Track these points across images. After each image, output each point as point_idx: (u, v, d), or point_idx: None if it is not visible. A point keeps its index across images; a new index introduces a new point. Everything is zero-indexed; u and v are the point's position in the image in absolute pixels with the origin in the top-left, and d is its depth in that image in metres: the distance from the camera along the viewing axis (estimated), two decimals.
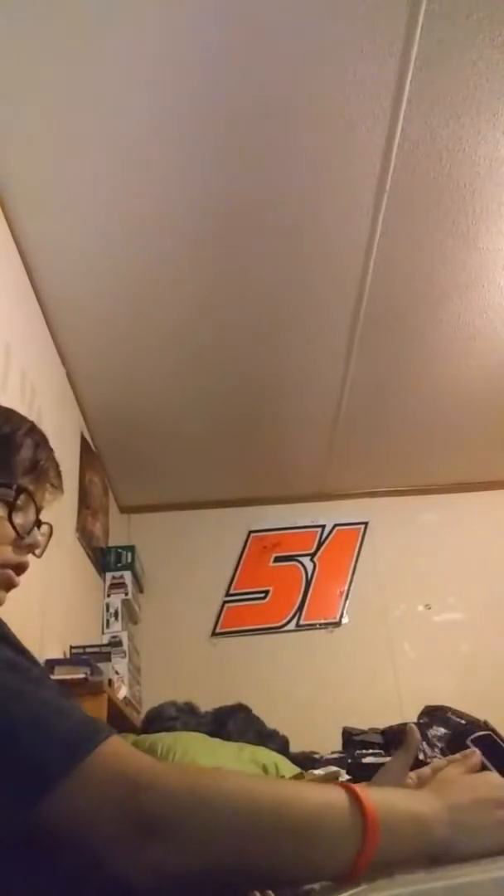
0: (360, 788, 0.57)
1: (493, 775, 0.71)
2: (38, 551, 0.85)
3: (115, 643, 3.01)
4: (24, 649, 0.65)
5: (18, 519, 0.79)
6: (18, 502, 0.79)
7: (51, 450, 0.88)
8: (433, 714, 2.72)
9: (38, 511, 0.83)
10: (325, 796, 0.56)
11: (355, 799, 0.55)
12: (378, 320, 2.58)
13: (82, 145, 1.87)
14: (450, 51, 1.72)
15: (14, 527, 0.79)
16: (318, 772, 1.49)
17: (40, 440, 0.86)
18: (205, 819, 0.51)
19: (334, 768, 2.00)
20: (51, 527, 0.88)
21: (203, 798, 0.52)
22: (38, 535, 0.84)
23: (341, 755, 2.57)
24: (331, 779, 1.18)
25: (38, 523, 0.84)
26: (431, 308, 2.57)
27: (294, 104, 1.82)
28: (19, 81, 1.70)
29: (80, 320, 2.49)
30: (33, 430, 0.86)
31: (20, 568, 0.82)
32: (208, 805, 0.52)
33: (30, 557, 0.84)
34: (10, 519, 0.79)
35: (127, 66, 1.69)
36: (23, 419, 0.87)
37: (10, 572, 0.81)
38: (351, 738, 2.65)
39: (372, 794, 0.56)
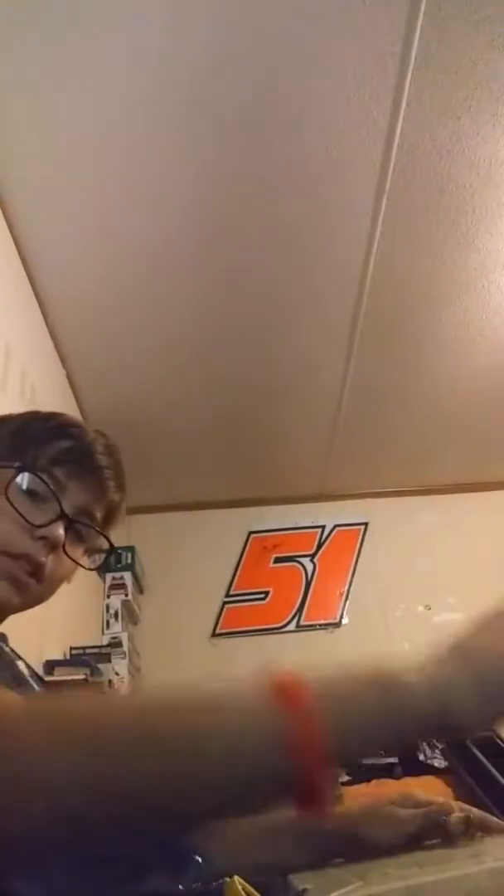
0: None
1: None
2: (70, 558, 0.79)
3: (115, 644, 3.01)
4: None
5: (26, 503, 0.76)
6: (26, 483, 0.76)
7: (102, 454, 0.84)
8: None
9: (60, 506, 0.78)
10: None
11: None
12: (378, 321, 2.58)
13: (83, 145, 1.88)
14: (449, 51, 1.72)
15: (12, 504, 0.74)
16: None
17: (85, 439, 0.83)
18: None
19: None
20: (85, 528, 0.81)
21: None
22: (58, 530, 0.77)
23: None
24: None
25: (67, 519, 0.78)
26: (432, 308, 2.57)
27: (293, 105, 1.82)
28: (20, 82, 1.70)
29: (80, 321, 2.49)
30: (82, 431, 0.84)
31: (30, 560, 0.75)
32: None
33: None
34: (9, 498, 0.75)
35: (127, 66, 1.69)
36: (79, 424, 0.86)
37: (18, 565, 0.74)
38: None
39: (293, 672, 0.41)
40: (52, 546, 0.77)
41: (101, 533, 0.85)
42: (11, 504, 0.75)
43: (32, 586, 0.76)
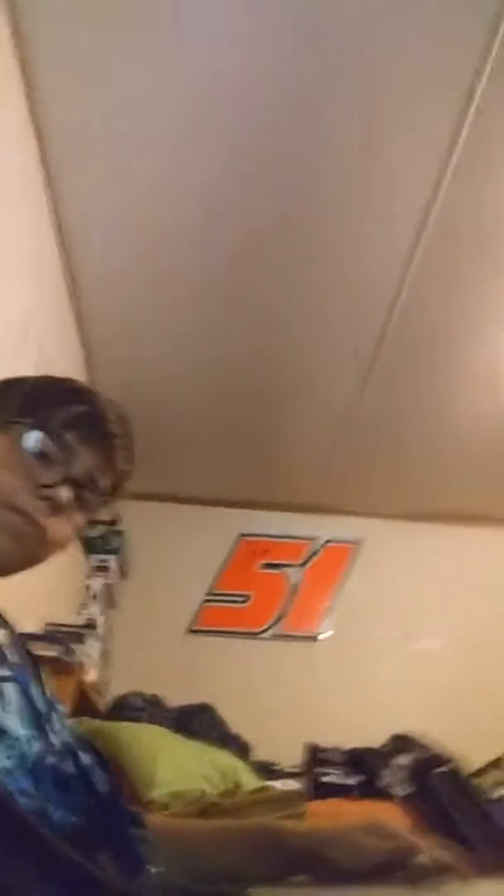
0: None
1: None
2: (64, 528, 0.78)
3: (91, 626, 2.99)
4: None
5: (34, 461, 0.75)
6: (37, 442, 0.75)
7: (114, 423, 0.83)
8: (399, 743, 2.70)
9: (68, 469, 0.77)
10: None
11: None
12: (403, 347, 2.58)
13: (124, 143, 1.89)
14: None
15: (22, 460, 0.74)
16: (279, 785, 1.47)
17: (98, 405, 0.83)
18: None
19: (293, 783, 1.98)
20: (81, 490, 0.79)
21: None
22: (63, 492, 0.76)
23: (301, 770, 2.55)
24: (291, 798, 1.16)
25: (74, 483, 0.77)
26: (461, 342, 2.57)
27: (340, 122, 1.82)
28: (80, 71, 1.70)
29: (105, 305, 2.51)
30: (95, 397, 0.84)
31: (30, 519, 0.74)
32: None
33: None
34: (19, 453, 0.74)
35: (176, 67, 1.69)
36: (93, 391, 0.86)
37: (18, 519, 0.74)
38: (315, 755, 2.62)
39: None
40: (55, 508, 0.76)
41: (107, 502, 0.84)
42: (21, 460, 0.75)
43: (32, 538, 0.75)
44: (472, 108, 1.73)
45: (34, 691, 0.70)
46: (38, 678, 0.76)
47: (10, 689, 0.64)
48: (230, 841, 0.83)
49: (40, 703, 0.70)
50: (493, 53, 1.60)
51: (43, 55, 1.69)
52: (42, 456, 0.77)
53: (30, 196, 1.97)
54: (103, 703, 2.69)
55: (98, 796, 0.64)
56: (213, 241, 2.22)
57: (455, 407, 2.96)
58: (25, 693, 0.67)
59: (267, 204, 2.07)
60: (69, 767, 0.64)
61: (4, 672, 0.66)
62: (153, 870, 0.66)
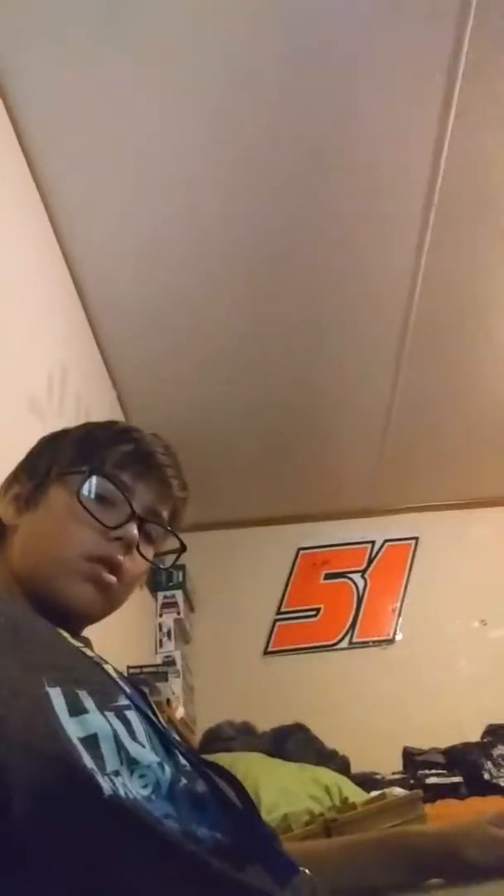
0: None
1: None
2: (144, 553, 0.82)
3: (169, 662, 3.01)
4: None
5: (97, 507, 0.78)
6: (96, 487, 0.79)
7: (163, 454, 0.86)
8: (497, 733, 2.65)
9: (131, 507, 0.80)
10: None
11: None
12: (427, 331, 2.56)
13: (134, 170, 1.92)
14: (498, 60, 1.71)
15: (86, 508, 0.77)
16: (398, 791, 1.46)
17: (144, 441, 0.86)
18: None
19: (399, 790, 1.96)
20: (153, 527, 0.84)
21: None
22: (132, 530, 0.79)
23: (403, 776, 2.52)
24: (409, 803, 1.15)
25: (139, 519, 0.81)
26: (481, 317, 2.55)
27: (342, 117, 1.83)
28: (79, 88, 1.72)
29: (130, 346, 2.53)
30: (140, 433, 0.87)
31: (108, 562, 0.78)
32: None
33: None
34: (82, 502, 0.78)
35: (183, 80, 1.71)
36: (136, 428, 0.89)
37: (99, 567, 0.77)
38: (413, 759, 2.60)
39: None
40: (128, 546, 0.79)
41: (172, 531, 0.87)
42: (85, 508, 0.77)
43: (115, 585, 0.78)
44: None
45: (153, 716, 0.71)
46: (150, 704, 0.77)
47: (134, 717, 0.64)
48: (360, 856, 0.83)
49: (162, 726, 0.70)
50: None
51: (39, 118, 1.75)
52: (103, 500, 0.80)
53: (48, 261, 2.03)
54: (194, 738, 2.70)
55: (235, 812, 0.64)
56: (233, 265, 2.25)
57: (489, 386, 2.93)
58: (147, 718, 0.67)
59: (276, 210, 2.08)
60: (201, 787, 0.64)
61: (124, 701, 0.66)
62: (305, 870, 0.66)
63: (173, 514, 0.88)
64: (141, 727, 0.64)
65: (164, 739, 0.67)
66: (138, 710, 0.67)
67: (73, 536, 0.77)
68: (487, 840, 0.76)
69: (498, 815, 0.80)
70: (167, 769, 0.61)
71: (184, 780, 0.62)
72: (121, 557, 0.78)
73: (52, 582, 0.76)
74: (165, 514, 0.86)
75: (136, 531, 0.80)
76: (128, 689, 0.71)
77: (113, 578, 0.78)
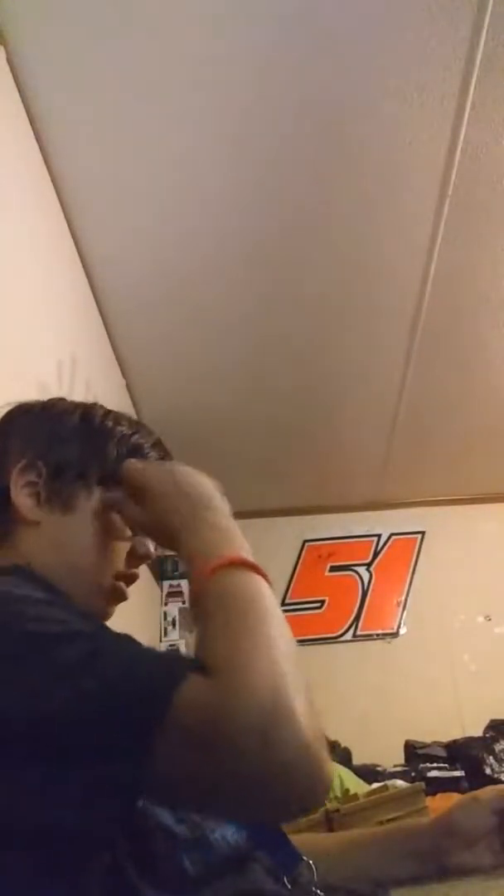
0: None
1: None
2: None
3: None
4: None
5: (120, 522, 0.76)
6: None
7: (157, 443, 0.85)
8: (499, 728, 2.66)
9: None
10: None
11: None
12: (437, 326, 2.55)
13: (143, 158, 1.91)
14: None
15: (115, 527, 0.75)
16: (400, 783, 1.46)
17: (137, 430, 0.85)
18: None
19: (400, 782, 1.96)
20: None
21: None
22: (151, 545, 0.78)
23: (405, 769, 2.53)
24: (412, 795, 1.16)
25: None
26: (492, 313, 2.53)
27: (356, 111, 1.82)
28: (85, 82, 1.72)
29: (140, 333, 2.53)
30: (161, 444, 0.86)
31: (131, 579, 0.78)
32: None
33: None
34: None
35: (187, 68, 1.70)
36: (155, 436, 0.88)
37: (121, 584, 0.77)
38: (414, 752, 2.60)
39: None
40: (146, 558, 0.79)
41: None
42: (114, 527, 0.76)
43: (126, 596, 0.79)
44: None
45: None
46: None
47: None
48: (361, 850, 0.84)
49: None
50: None
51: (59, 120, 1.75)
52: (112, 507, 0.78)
53: (58, 250, 2.03)
54: None
55: None
56: (245, 251, 2.25)
57: (499, 381, 2.92)
58: None
59: (288, 197, 2.07)
60: None
61: None
62: (309, 860, 0.66)
63: None
64: None
65: None
66: None
67: (111, 560, 0.76)
68: (472, 803, 0.81)
69: (492, 789, 0.82)
70: None
71: None
72: (136, 570, 0.79)
73: (75, 596, 0.70)
74: None
75: (152, 546, 0.79)
76: None
77: (126, 591, 0.78)
